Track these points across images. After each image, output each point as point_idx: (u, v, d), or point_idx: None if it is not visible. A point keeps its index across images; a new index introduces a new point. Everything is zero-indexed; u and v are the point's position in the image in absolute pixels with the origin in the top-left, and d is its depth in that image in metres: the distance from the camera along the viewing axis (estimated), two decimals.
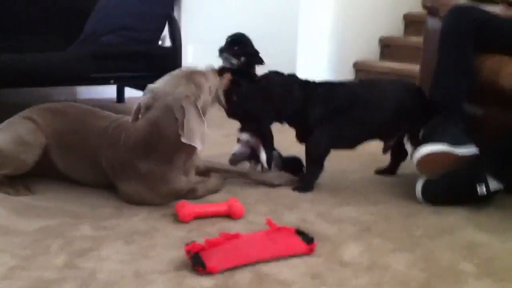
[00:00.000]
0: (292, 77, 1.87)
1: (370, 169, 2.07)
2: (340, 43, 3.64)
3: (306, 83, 1.86)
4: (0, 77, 2.32)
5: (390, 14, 3.81)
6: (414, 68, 3.13)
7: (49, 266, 1.25)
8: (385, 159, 2.05)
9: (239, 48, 1.91)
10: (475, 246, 1.43)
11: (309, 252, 1.33)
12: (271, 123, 1.89)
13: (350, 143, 1.91)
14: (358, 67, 3.71)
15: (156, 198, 1.63)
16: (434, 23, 2.12)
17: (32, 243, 1.36)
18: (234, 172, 1.86)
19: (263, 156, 1.85)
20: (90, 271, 1.23)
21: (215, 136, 2.41)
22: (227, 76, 1.74)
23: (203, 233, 1.44)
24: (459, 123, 1.78)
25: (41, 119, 1.77)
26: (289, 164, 1.91)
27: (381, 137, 1.94)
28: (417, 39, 3.36)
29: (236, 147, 1.91)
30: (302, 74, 1.93)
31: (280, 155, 1.93)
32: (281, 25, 3.46)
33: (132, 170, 1.61)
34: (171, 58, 2.72)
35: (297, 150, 1.92)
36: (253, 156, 1.89)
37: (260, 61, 1.93)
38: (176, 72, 1.65)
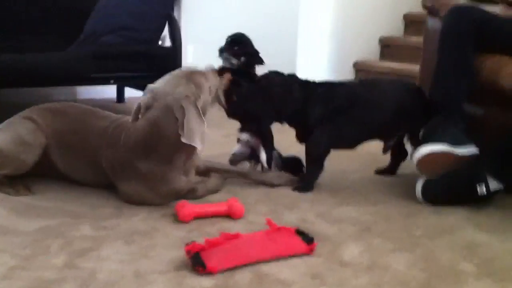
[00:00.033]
0: (292, 77, 1.87)
1: (370, 169, 2.07)
2: (340, 43, 3.64)
3: (306, 83, 1.86)
4: (0, 77, 2.32)
5: (390, 14, 3.81)
6: (414, 68, 3.13)
7: (49, 266, 1.25)
8: (385, 159, 2.05)
9: (239, 48, 1.91)
10: (475, 246, 1.43)
11: (309, 252, 1.33)
12: (271, 123, 1.89)
13: (350, 143, 1.91)
14: (358, 67, 3.71)
15: (156, 198, 1.63)
16: (434, 23, 2.12)
17: (32, 243, 1.36)
18: (234, 172, 1.86)
19: (263, 156, 1.85)
20: (90, 271, 1.23)
21: (215, 136, 2.41)
22: (227, 76, 1.74)
23: (203, 233, 1.44)
24: (459, 123, 1.78)
25: (41, 119, 1.77)
26: (289, 164, 1.91)
27: (381, 137, 1.94)
28: (417, 39, 3.36)
29: (236, 147, 1.91)
30: (302, 74, 1.93)
31: (280, 155, 1.93)
32: (281, 25, 3.46)
33: (132, 170, 1.61)
34: (171, 58, 2.72)
35: (297, 150, 1.92)
36: (253, 156, 1.89)
37: (260, 61, 1.93)
38: (176, 72, 1.65)
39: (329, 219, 1.58)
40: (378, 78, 3.12)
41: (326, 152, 1.84)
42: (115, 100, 3.40)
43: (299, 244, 1.33)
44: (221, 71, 1.77)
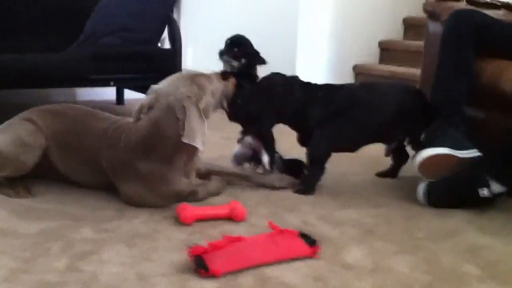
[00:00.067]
0: (294, 78, 1.87)
1: (371, 171, 2.07)
2: (339, 46, 3.64)
3: (307, 85, 1.86)
4: None
5: (389, 17, 3.82)
6: (413, 72, 3.15)
7: (51, 269, 1.24)
8: (386, 162, 2.04)
9: (238, 49, 1.91)
10: (478, 249, 1.43)
11: (313, 255, 1.33)
12: (272, 124, 1.89)
13: (351, 145, 1.91)
14: (358, 70, 3.71)
15: (157, 200, 1.62)
16: (435, 27, 2.12)
17: (33, 245, 1.35)
18: (235, 175, 1.86)
19: (265, 158, 1.85)
20: (92, 274, 1.22)
21: (214, 138, 2.41)
22: (232, 81, 1.74)
23: (205, 235, 1.43)
24: (459, 125, 1.78)
25: (41, 120, 1.76)
26: (290, 166, 1.91)
27: (381, 140, 1.94)
28: (416, 43, 3.37)
29: (236, 148, 1.90)
30: (301, 77, 1.93)
31: (281, 157, 1.92)
32: (280, 28, 3.46)
33: (132, 170, 1.60)
34: (171, 59, 2.72)
35: (298, 152, 1.92)
36: (254, 158, 1.89)
37: (262, 61, 1.92)
38: (179, 74, 1.66)
39: (331, 222, 1.58)
40: (378, 81, 3.13)
41: (327, 155, 1.84)
42: (115, 102, 3.39)
43: (302, 247, 1.32)
44: (224, 75, 1.77)
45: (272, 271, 1.25)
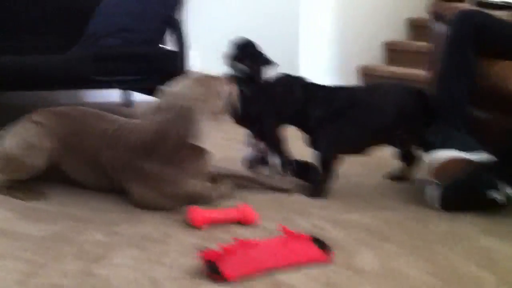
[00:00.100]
0: (297, 79, 1.86)
1: (378, 174, 2.06)
2: (342, 47, 3.64)
3: (308, 85, 1.86)
4: None
5: (393, 18, 3.82)
6: (417, 72, 3.15)
7: (63, 272, 1.23)
8: (388, 163, 2.03)
9: (243, 52, 1.90)
10: (489, 253, 1.42)
11: (326, 261, 1.32)
12: (273, 124, 1.87)
13: (355, 147, 1.90)
14: (361, 71, 3.71)
15: (166, 202, 1.61)
16: (440, 28, 2.12)
17: (44, 249, 1.35)
18: (244, 178, 1.85)
19: (276, 161, 1.84)
20: (105, 278, 1.21)
21: (216, 139, 2.37)
22: (234, 86, 1.74)
23: (216, 239, 1.42)
24: (462, 127, 1.77)
25: (48, 122, 1.75)
26: (304, 170, 1.89)
27: (383, 140, 1.93)
28: (420, 44, 3.37)
29: (247, 152, 1.89)
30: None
31: (296, 161, 1.90)
32: (282, 31, 3.45)
33: (139, 171, 1.60)
34: (173, 60, 2.70)
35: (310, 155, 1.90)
36: (262, 160, 1.88)
37: (267, 62, 1.91)
38: (189, 76, 1.66)
39: (340, 225, 1.57)
40: (380, 82, 3.12)
41: (333, 157, 1.83)
42: (122, 104, 3.36)
43: (316, 252, 1.32)
44: (230, 78, 1.76)
45: (285, 277, 1.24)
